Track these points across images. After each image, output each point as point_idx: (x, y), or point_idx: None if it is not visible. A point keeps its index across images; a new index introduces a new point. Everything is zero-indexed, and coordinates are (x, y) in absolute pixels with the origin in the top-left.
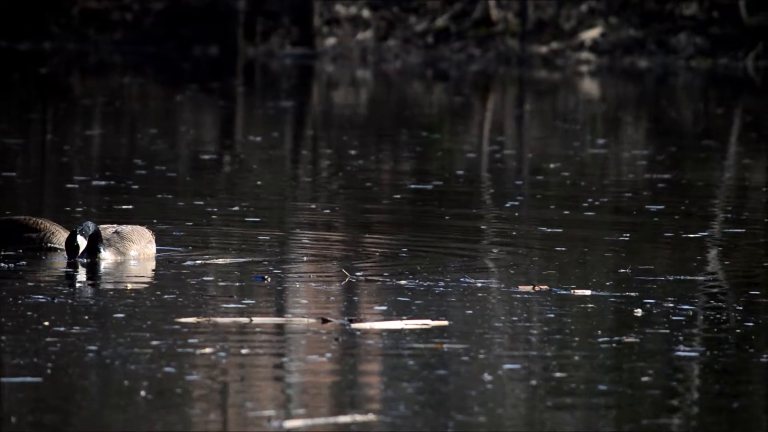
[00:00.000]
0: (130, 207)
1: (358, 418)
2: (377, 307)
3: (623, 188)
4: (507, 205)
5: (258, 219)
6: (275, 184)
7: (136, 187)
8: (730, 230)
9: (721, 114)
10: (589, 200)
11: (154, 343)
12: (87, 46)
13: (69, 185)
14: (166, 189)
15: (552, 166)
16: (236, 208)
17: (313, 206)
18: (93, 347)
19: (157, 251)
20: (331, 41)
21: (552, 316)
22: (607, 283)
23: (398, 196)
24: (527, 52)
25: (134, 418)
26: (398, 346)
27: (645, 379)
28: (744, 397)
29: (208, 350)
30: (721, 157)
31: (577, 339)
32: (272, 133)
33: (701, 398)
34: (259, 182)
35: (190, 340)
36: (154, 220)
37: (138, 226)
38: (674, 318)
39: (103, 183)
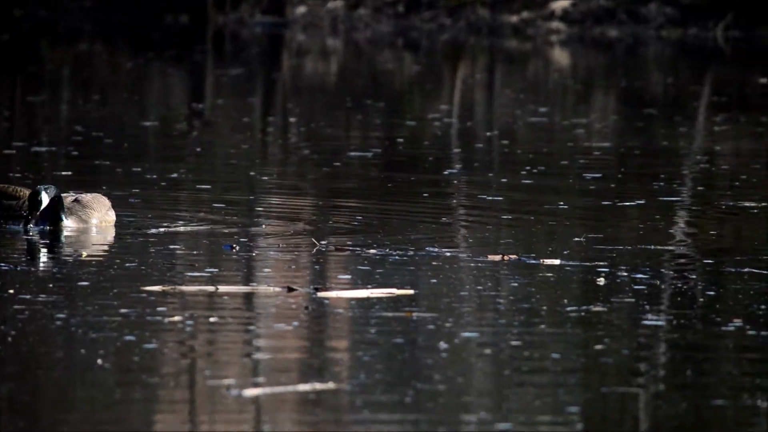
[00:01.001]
0: (70, 173)
1: (318, 386)
2: (345, 276)
3: (590, 156)
4: (477, 173)
5: (224, 186)
6: (238, 152)
7: (75, 153)
8: (697, 198)
9: (689, 83)
10: (556, 168)
11: (122, 311)
12: (58, 14)
13: (7, 151)
14: (109, 155)
15: (517, 135)
16: (196, 175)
17: (282, 174)
18: (61, 315)
19: (119, 218)
20: (301, 10)
21: (520, 285)
22: (576, 253)
23: (366, 165)
24: (498, 21)
25: (93, 386)
26: (367, 315)
27: (611, 348)
28: (709, 365)
29: (176, 318)
30: (689, 126)
31: (544, 308)
32: (228, 101)
33: (667, 368)
34: (220, 150)
35: (159, 308)
36: (104, 187)
37: (97, 194)
38: (641, 287)
39: (43, 149)
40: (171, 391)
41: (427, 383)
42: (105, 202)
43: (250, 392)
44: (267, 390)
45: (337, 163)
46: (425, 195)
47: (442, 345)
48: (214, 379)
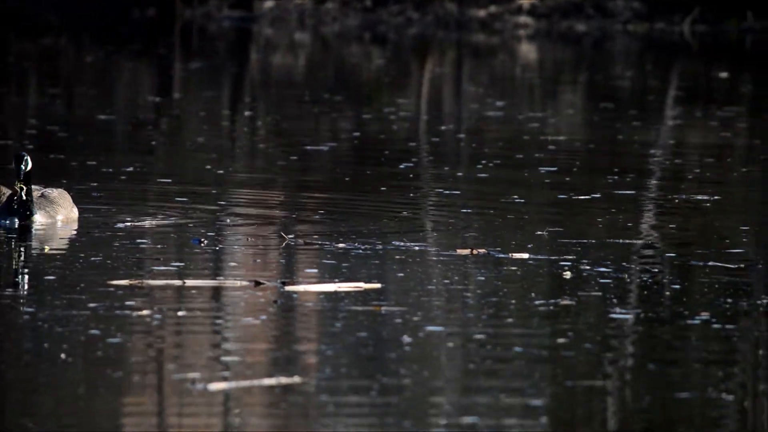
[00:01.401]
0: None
1: (284, 380)
2: (313, 270)
3: (559, 150)
4: (442, 166)
5: (190, 180)
6: (202, 145)
7: (32, 147)
8: (664, 191)
9: (656, 78)
10: (518, 162)
11: (90, 305)
12: (25, 4)
13: None
14: (69, 149)
15: (486, 128)
16: (160, 169)
17: (248, 168)
18: (29, 309)
19: (82, 213)
20: (269, 4)
21: (489, 279)
22: (544, 247)
23: (333, 158)
24: (465, 15)
25: (57, 381)
26: (335, 309)
27: (577, 341)
28: (678, 356)
29: (143, 312)
30: (656, 119)
31: (512, 302)
32: (193, 95)
33: (633, 361)
34: (184, 144)
35: (126, 303)
36: (64, 181)
37: (61, 189)
38: (610, 280)
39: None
40: (135, 386)
41: (393, 377)
42: (68, 197)
43: (215, 386)
44: (232, 384)
45: (304, 157)
46: (392, 188)
47: (409, 339)
48: (179, 373)
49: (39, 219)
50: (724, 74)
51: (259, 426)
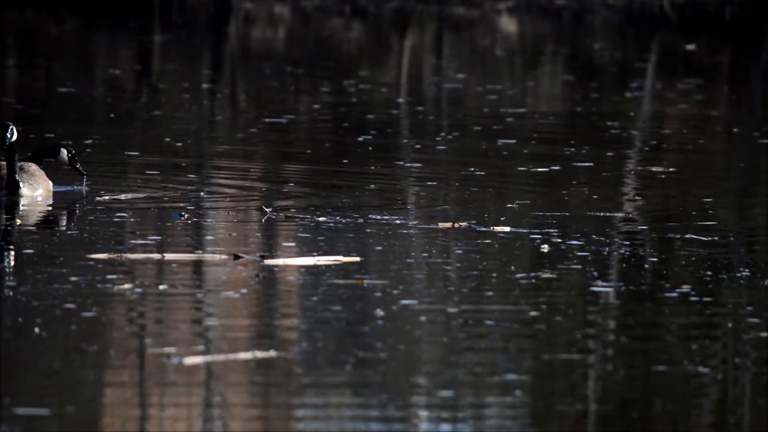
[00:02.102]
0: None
1: (260, 354)
2: (293, 244)
3: (541, 123)
4: (428, 139)
5: (170, 153)
6: (182, 119)
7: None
8: (646, 165)
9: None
10: (507, 134)
11: (71, 279)
12: None
13: None
14: (44, 122)
15: (467, 101)
16: (140, 142)
17: (229, 141)
18: (10, 284)
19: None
20: None
21: (470, 252)
22: (527, 220)
23: (313, 131)
24: None
25: (31, 355)
26: (318, 282)
27: (557, 314)
28: (660, 330)
29: (124, 286)
30: (636, 93)
31: (493, 275)
32: (169, 67)
33: (617, 333)
34: (163, 117)
35: (107, 277)
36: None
37: (32, 163)
38: (592, 253)
39: None
40: (111, 360)
41: (369, 351)
42: (42, 171)
43: (191, 360)
44: (208, 358)
45: (283, 129)
46: (372, 160)
47: (387, 312)
48: (156, 348)
49: (25, 192)
50: (690, 46)
51: (233, 400)
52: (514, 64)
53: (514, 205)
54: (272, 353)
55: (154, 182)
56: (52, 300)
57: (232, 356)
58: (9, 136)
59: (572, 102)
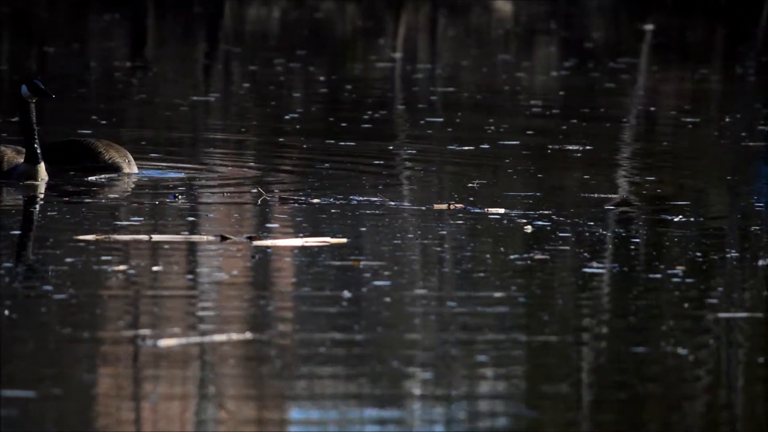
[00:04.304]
0: None
1: (235, 336)
2: (288, 225)
3: (535, 106)
4: (422, 121)
5: (167, 134)
6: (178, 100)
7: None
8: (639, 148)
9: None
10: (501, 119)
11: (57, 260)
12: None
13: None
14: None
15: (463, 81)
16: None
17: (225, 123)
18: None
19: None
20: None
21: (465, 234)
22: (521, 202)
23: (309, 112)
24: None
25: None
26: (314, 263)
27: (555, 296)
28: (653, 313)
29: (117, 268)
30: (632, 75)
31: (487, 257)
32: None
33: (611, 315)
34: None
35: (92, 258)
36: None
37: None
38: (586, 235)
39: None
40: (85, 341)
41: (348, 332)
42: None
43: (165, 342)
44: (182, 340)
45: (279, 110)
46: (368, 142)
47: (349, 294)
48: (130, 329)
49: (44, 174)
50: (649, 26)
51: (206, 382)
52: (509, 44)
53: (508, 186)
54: (248, 335)
55: (150, 162)
56: (32, 281)
57: (207, 338)
58: (41, 84)
59: (566, 81)
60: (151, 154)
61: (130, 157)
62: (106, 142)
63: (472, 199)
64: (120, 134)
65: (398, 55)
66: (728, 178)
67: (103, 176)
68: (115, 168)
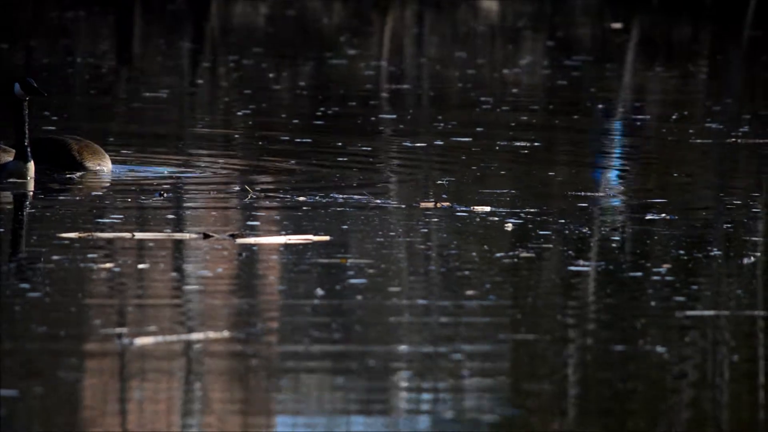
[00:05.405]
0: None
1: (212, 335)
2: (272, 223)
3: (520, 103)
4: (407, 118)
5: (152, 131)
6: (165, 96)
7: None
8: (626, 146)
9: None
10: (488, 115)
11: (38, 258)
12: None
13: None
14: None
15: (448, 79)
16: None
17: (211, 120)
18: None
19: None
20: None
21: (450, 232)
22: (507, 200)
23: (295, 109)
24: None
25: None
26: (300, 261)
27: (541, 293)
28: (638, 310)
29: (92, 265)
30: (618, 73)
31: (473, 254)
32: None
33: (597, 313)
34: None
35: (76, 256)
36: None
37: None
38: (572, 233)
39: None
40: (60, 340)
41: (327, 331)
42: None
43: (141, 341)
44: (159, 339)
45: (265, 108)
46: (354, 140)
47: (322, 292)
48: (106, 328)
49: (32, 167)
50: (616, 25)
51: (179, 380)
52: (495, 41)
53: (495, 184)
54: (225, 334)
55: (134, 159)
56: (11, 280)
57: (183, 336)
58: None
59: (551, 78)
60: (136, 150)
61: (105, 155)
62: (80, 140)
63: (444, 196)
64: (105, 130)
65: (384, 50)
66: (716, 174)
67: (78, 174)
68: (88, 167)
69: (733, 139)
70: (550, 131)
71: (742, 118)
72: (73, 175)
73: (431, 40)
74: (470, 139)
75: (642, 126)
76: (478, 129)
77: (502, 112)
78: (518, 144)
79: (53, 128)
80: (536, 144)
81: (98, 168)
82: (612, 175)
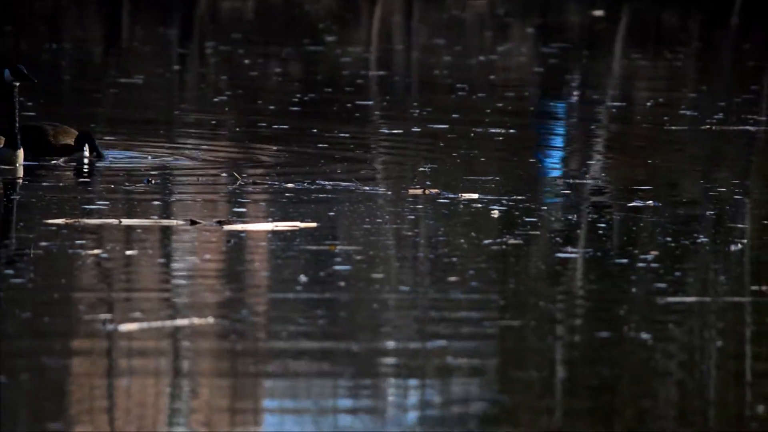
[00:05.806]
0: None
1: (197, 321)
2: (260, 210)
3: (510, 91)
4: (396, 105)
5: (143, 119)
6: (153, 84)
7: None
8: (613, 131)
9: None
10: (478, 103)
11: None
12: None
13: None
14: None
15: (440, 70)
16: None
17: (199, 107)
18: None
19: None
20: None
21: (438, 219)
22: (496, 187)
23: (283, 97)
24: None
25: None
26: (288, 248)
27: (530, 280)
28: (625, 296)
29: (86, 252)
30: (606, 61)
31: (461, 241)
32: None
33: (585, 299)
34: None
35: (62, 242)
36: None
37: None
38: (561, 220)
39: None
40: (45, 326)
41: (312, 318)
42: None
43: (126, 327)
44: (144, 325)
45: (254, 95)
46: (342, 127)
47: (305, 279)
48: (91, 314)
49: (21, 155)
50: (598, 12)
51: (164, 366)
52: (483, 29)
53: (482, 171)
54: (210, 320)
55: (124, 146)
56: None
57: (168, 323)
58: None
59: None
60: (124, 137)
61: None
62: (57, 125)
63: (429, 183)
64: (94, 116)
65: (373, 38)
66: (703, 162)
67: (60, 160)
68: (66, 152)
69: (708, 126)
70: (525, 117)
71: (717, 105)
72: (59, 161)
73: (419, 28)
74: (448, 126)
75: (617, 113)
76: (455, 116)
77: (479, 99)
78: (494, 131)
79: (33, 114)
80: (512, 131)
81: (78, 151)
82: (556, 158)
